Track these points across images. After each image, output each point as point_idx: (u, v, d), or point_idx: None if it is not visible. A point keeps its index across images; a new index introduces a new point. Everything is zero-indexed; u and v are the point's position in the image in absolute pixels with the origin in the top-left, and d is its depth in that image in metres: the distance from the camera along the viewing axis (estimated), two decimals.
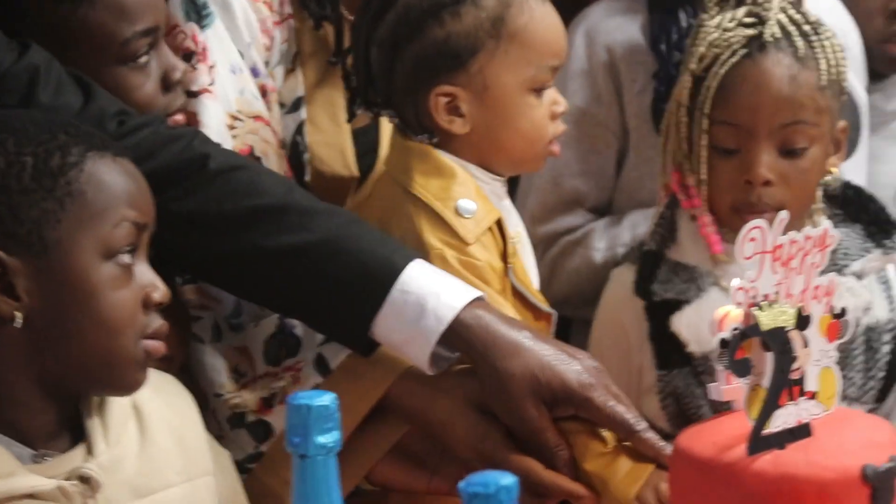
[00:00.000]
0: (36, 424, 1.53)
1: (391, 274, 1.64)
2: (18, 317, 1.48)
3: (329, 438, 1.33)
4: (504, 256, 1.81)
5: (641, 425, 1.63)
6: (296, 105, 1.95)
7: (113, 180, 1.52)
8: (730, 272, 2.05)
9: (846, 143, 2.13)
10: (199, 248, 1.70)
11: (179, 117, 1.81)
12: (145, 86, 1.78)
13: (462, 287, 1.67)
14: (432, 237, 1.77)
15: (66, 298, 1.50)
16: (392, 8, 1.80)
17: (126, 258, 1.53)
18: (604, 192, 2.38)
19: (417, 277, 1.64)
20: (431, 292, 1.64)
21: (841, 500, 1.37)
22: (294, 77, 1.95)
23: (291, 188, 1.75)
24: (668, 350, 2.06)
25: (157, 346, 1.56)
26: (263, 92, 1.90)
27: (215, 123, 1.84)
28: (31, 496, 1.48)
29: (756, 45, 2.01)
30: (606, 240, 2.35)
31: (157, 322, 1.55)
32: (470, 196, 1.79)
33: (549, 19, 1.81)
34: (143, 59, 1.78)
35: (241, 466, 1.77)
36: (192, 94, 1.85)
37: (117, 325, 1.51)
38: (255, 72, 1.89)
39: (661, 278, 2.06)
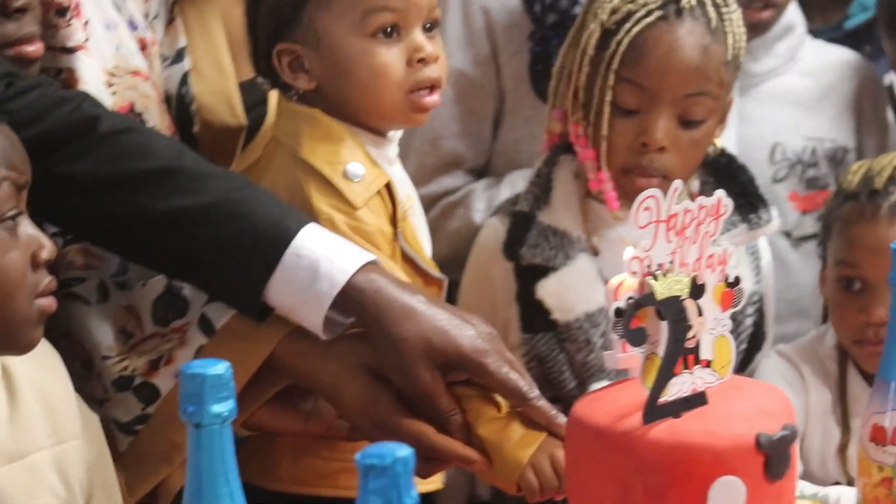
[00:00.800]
0: None
1: (284, 237, 1.61)
2: None
3: (224, 407, 1.28)
4: (394, 221, 1.79)
5: (534, 393, 1.61)
6: (178, 56, 1.91)
7: None
8: (604, 239, 2.05)
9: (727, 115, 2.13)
10: (89, 211, 1.66)
11: (29, 48, 1.71)
12: None
13: (356, 251, 1.64)
14: (321, 202, 1.74)
15: None
16: None
17: (9, 220, 1.49)
18: (482, 154, 2.37)
19: (311, 241, 1.61)
20: (325, 256, 1.60)
21: (736, 468, 1.36)
22: (174, 28, 1.91)
23: (182, 151, 1.71)
24: (534, 314, 2.06)
25: (49, 302, 1.53)
26: (143, 45, 1.86)
27: (93, 79, 1.79)
28: None
29: (673, 8, 2.00)
30: (486, 200, 2.35)
31: (46, 279, 1.52)
32: (358, 160, 1.77)
33: None
34: None
35: (128, 428, 1.73)
36: (68, 51, 1.79)
37: (9, 288, 1.48)
38: (132, 25, 1.85)
39: (531, 242, 2.05)
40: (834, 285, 2.21)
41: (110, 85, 1.81)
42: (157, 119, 1.83)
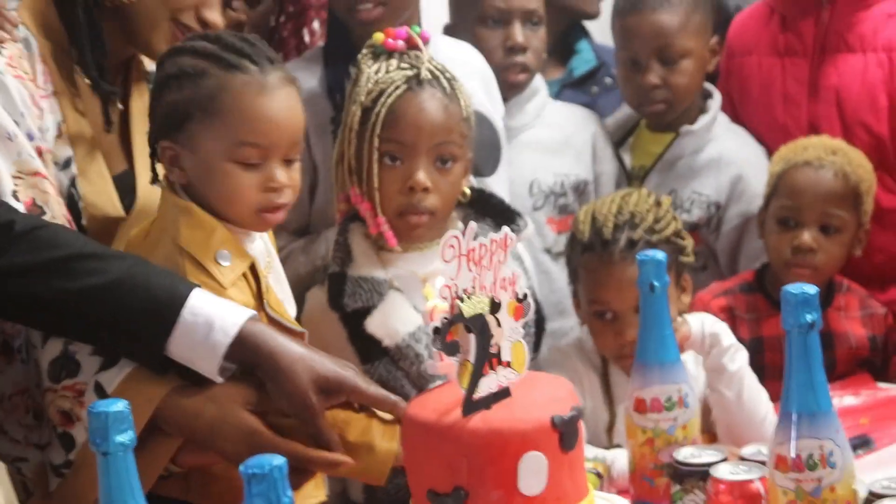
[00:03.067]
0: None
1: (179, 300, 1.73)
2: None
3: (125, 437, 1.39)
4: (259, 294, 1.89)
5: (399, 399, 1.76)
6: (67, 163, 1.98)
7: None
8: (400, 277, 2.19)
9: (471, 167, 2.28)
10: (14, 295, 1.76)
11: None
12: None
13: (239, 308, 1.76)
14: (197, 282, 1.82)
15: None
16: (156, 75, 1.92)
17: None
18: (303, 217, 2.50)
19: (201, 301, 1.74)
20: (216, 313, 1.73)
21: (538, 445, 1.50)
22: (62, 140, 1.98)
23: (83, 239, 1.82)
24: (367, 347, 2.17)
25: None
26: (39, 152, 1.92)
27: (3, 178, 1.87)
28: None
29: (414, 81, 2.16)
30: (307, 255, 2.46)
31: None
32: (226, 247, 1.86)
33: (259, 108, 1.86)
34: None
35: (57, 470, 1.81)
36: None
37: None
38: (30, 136, 1.91)
39: (349, 292, 2.17)
40: (590, 317, 2.38)
41: (15, 185, 1.88)
42: (56, 210, 1.91)
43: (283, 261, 2.36)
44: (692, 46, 2.79)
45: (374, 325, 2.16)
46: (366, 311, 2.17)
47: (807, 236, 2.56)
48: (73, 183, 1.99)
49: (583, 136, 2.90)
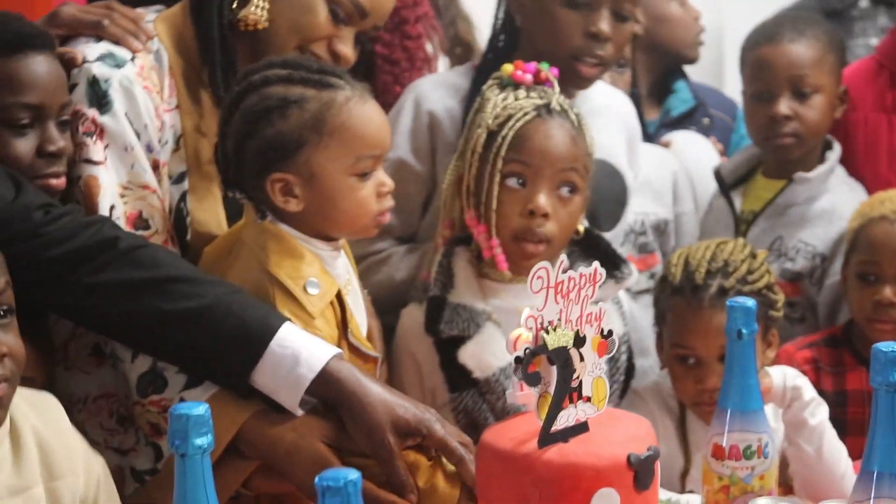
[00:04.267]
0: None
1: (269, 331, 1.76)
2: None
3: (203, 441, 1.40)
4: (343, 322, 1.89)
5: (467, 454, 1.74)
6: (180, 178, 2.00)
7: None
8: (500, 307, 2.17)
9: (589, 212, 2.27)
10: (110, 313, 1.80)
11: (54, 181, 1.86)
12: (19, 147, 1.84)
13: (326, 344, 1.78)
14: (285, 310, 1.83)
15: None
16: (237, 109, 1.88)
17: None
18: (410, 227, 2.47)
19: (291, 335, 1.76)
20: (304, 347, 1.75)
21: (612, 482, 1.49)
22: (178, 155, 2.00)
23: (183, 262, 1.87)
24: (457, 376, 2.16)
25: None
26: (155, 166, 1.96)
27: (110, 192, 1.91)
28: None
29: (545, 109, 2.15)
30: (408, 262, 2.43)
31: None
32: (316, 275, 1.86)
33: (366, 118, 1.88)
34: (23, 127, 1.85)
35: (139, 476, 1.84)
36: (91, 162, 1.92)
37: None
38: (149, 148, 1.95)
39: (446, 319, 2.16)
40: (672, 360, 2.35)
41: (122, 196, 1.92)
42: (160, 224, 1.95)
43: (381, 262, 2.39)
44: (825, 83, 2.72)
45: (467, 355, 2.15)
46: (460, 340, 2.16)
47: (888, 291, 2.50)
48: (183, 198, 2.00)
49: (663, 175, 2.86)
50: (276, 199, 1.87)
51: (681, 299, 2.31)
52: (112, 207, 1.91)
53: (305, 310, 1.83)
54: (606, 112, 2.26)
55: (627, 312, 2.40)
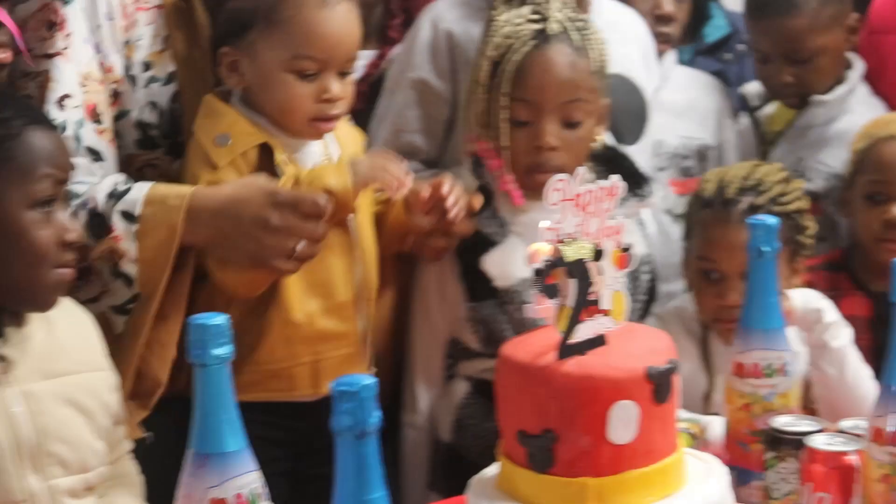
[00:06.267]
0: None
1: None
2: None
3: (223, 350, 1.38)
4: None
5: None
6: (170, 78, 2.02)
7: (41, 146, 1.63)
8: (523, 222, 2.14)
9: (608, 116, 2.22)
10: None
11: (2, 54, 1.82)
12: None
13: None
14: (195, 159, 1.95)
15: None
16: None
17: (47, 206, 1.63)
18: (435, 149, 2.43)
19: None
20: None
21: (630, 394, 1.47)
22: (165, 55, 2.01)
23: None
24: (477, 285, 2.13)
25: (68, 273, 1.67)
26: (102, 66, 1.99)
27: (67, 80, 1.95)
28: None
29: (542, 37, 2.10)
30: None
31: (68, 256, 1.65)
32: (231, 129, 1.93)
33: (316, 21, 1.91)
34: None
35: (123, 309, 1.92)
36: (48, 56, 1.95)
37: (39, 258, 1.62)
38: (97, 49, 1.98)
39: (480, 218, 2.12)
40: (695, 275, 2.32)
41: (84, 85, 1.96)
42: (108, 122, 2.00)
43: None
44: (823, 42, 2.67)
45: (490, 263, 2.12)
46: (482, 249, 2.13)
47: None
48: (174, 98, 2.01)
49: (708, 102, 2.82)
50: (222, 70, 1.95)
51: (710, 212, 2.28)
52: (62, 99, 1.93)
53: (210, 159, 1.91)
54: (615, 28, 2.22)
55: (652, 235, 2.36)
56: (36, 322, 1.68)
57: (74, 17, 1.96)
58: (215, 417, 1.37)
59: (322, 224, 1.88)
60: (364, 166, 1.96)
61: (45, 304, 1.66)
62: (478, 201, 2.09)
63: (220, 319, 1.38)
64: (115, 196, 1.90)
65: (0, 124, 1.61)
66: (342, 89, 1.94)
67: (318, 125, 1.95)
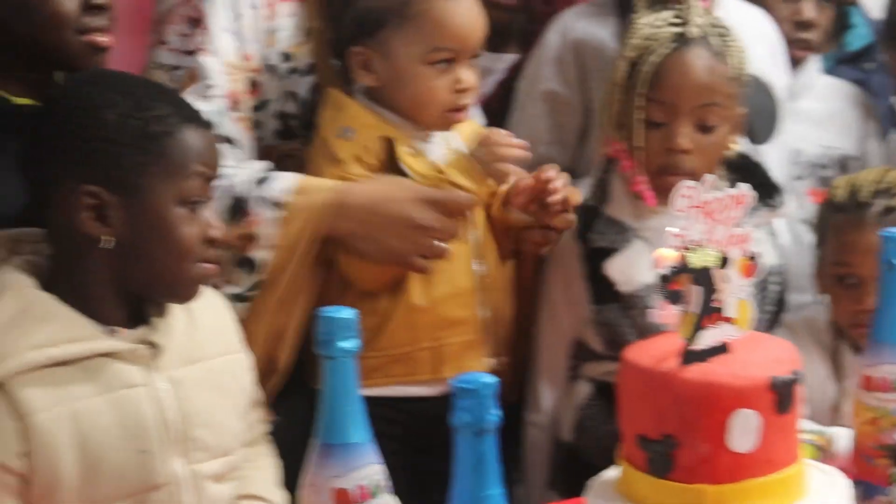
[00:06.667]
0: (111, 315, 1.66)
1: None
2: (109, 241, 1.61)
3: (350, 344, 1.40)
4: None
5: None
6: (310, 69, 2.06)
7: (193, 143, 1.65)
8: (650, 227, 2.13)
9: (742, 126, 2.20)
10: None
11: (100, 37, 1.81)
12: (65, 3, 1.77)
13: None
14: (319, 154, 1.99)
15: (147, 230, 1.64)
16: None
17: (194, 204, 1.66)
18: (568, 158, 2.45)
19: None
20: None
21: (752, 404, 1.46)
22: (305, 48, 2.05)
23: None
24: (601, 289, 2.13)
25: (212, 269, 1.70)
26: (242, 54, 2.04)
27: (212, 71, 2.00)
28: (107, 355, 1.62)
29: (682, 40, 2.09)
30: None
31: (211, 252, 1.68)
32: (354, 123, 1.96)
33: (448, 11, 1.95)
34: None
35: (241, 297, 1.96)
36: (191, 53, 2.01)
37: (183, 253, 1.65)
38: (238, 36, 2.03)
39: (598, 229, 2.14)
40: (831, 281, 2.28)
41: (229, 73, 2.01)
42: (245, 111, 2.04)
43: None
44: None
45: (614, 267, 2.12)
46: (607, 252, 2.13)
47: None
48: (314, 89, 2.05)
49: (850, 112, 2.78)
50: (355, 70, 1.98)
51: (843, 217, 2.24)
52: (204, 90, 1.98)
53: (334, 152, 1.96)
54: (742, 27, 2.19)
55: (785, 245, 2.33)
56: (177, 309, 1.72)
57: (214, 9, 2.01)
58: (341, 409, 1.40)
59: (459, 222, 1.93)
60: (482, 156, 2.00)
61: (186, 297, 1.70)
62: (577, 196, 2.09)
63: (347, 313, 1.41)
64: (259, 182, 1.95)
65: (156, 121, 1.63)
66: (473, 78, 1.98)
67: (452, 115, 1.99)
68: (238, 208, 1.94)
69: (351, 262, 1.97)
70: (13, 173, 1.69)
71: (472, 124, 2.15)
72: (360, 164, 1.97)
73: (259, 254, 1.94)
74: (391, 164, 1.98)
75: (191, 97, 1.95)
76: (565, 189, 2.06)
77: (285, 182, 1.94)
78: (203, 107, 1.93)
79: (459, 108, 1.99)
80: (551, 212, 2.04)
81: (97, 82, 1.69)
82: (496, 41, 2.54)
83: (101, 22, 1.79)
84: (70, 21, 1.75)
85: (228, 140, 2.01)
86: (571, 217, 2.07)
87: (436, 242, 1.92)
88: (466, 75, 1.97)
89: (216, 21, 2.00)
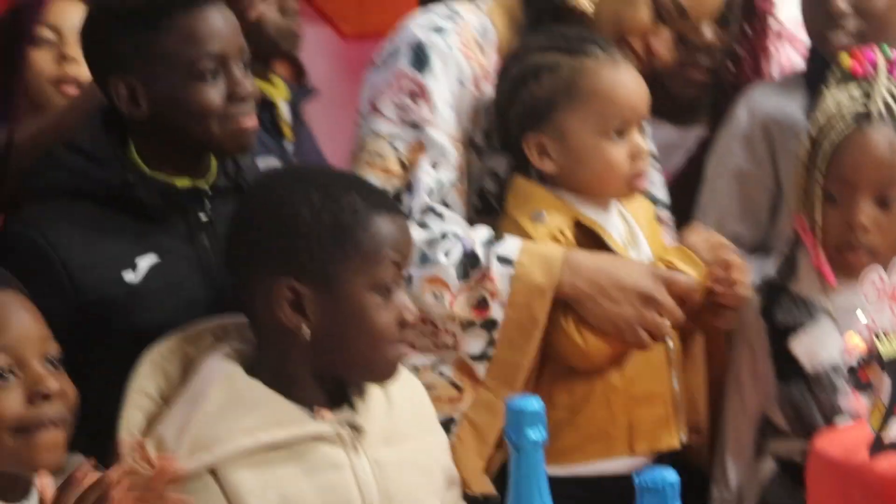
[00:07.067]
0: (314, 398, 1.70)
1: None
2: (307, 331, 1.66)
3: (537, 434, 1.43)
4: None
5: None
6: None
7: (385, 232, 1.69)
8: (837, 305, 2.09)
9: None
10: None
11: (247, 122, 1.87)
12: (210, 95, 1.84)
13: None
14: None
15: (344, 319, 1.68)
16: (503, 78, 2.00)
17: (387, 290, 1.69)
18: (758, 234, 2.43)
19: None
20: None
21: None
22: None
23: None
24: (787, 366, 2.10)
25: (407, 349, 1.75)
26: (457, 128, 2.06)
27: (439, 143, 2.00)
28: (313, 438, 1.66)
29: (864, 117, 2.06)
30: (756, 270, 2.39)
31: (409, 333, 1.72)
32: (544, 208, 1.97)
33: (616, 82, 1.95)
34: (210, 76, 1.86)
35: (483, 357, 1.95)
36: (417, 126, 2.01)
37: (380, 339, 1.68)
38: (453, 109, 2.04)
39: (784, 306, 2.11)
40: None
41: (451, 146, 2.02)
42: (465, 182, 2.07)
43: None
44: None
45: (800, 346, 2.09)
46: (794, 329, 2.10)
47: None
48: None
49: None
50: (534, 158, 1.98)
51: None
52: (437, 159, 1.99)
53: (529, 235, 1.95)
54: None
55: None
56: (375, 390, 1.75)
57: (436, 83, 2.02)
58: (528, 498, 1.43)
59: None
60: (703, 250, 1.99)
61: (384, 378, 1.73)
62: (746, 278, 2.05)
63: (536, 404, 1.44)
64: (489, 242, 1.97)
65: (349, 212, 1.66)
66: (646, 144, 2.00)
67: (633, 182, 1.99)
68: (474, 263, 1.94)
69: (572, 327, 1.95)
70: (185, 248, 1.83)
71: (643, 202, 2.15)
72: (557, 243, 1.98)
73: (495, 312, 1.94)
74: (583, 247, 1.98)
75: (424, 167, 1.98)
76: (740, 277, 2.03)
77: (515, 242, 1.96)
78: (440, 176, 1.99)
79: (639, 174, 1.99)
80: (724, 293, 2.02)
81: (290, 178, 1.75)
82: (686, 116, 2.58)
83: (245, 108, 1.88)
84: (216, 113, 1.84)
85: (454, 207, 2.02)
86: (743, 297, 2.05)
87: (660, 320, 1.92)
88: (640, 141, 1.98)
89: (440, 95, 2.02)
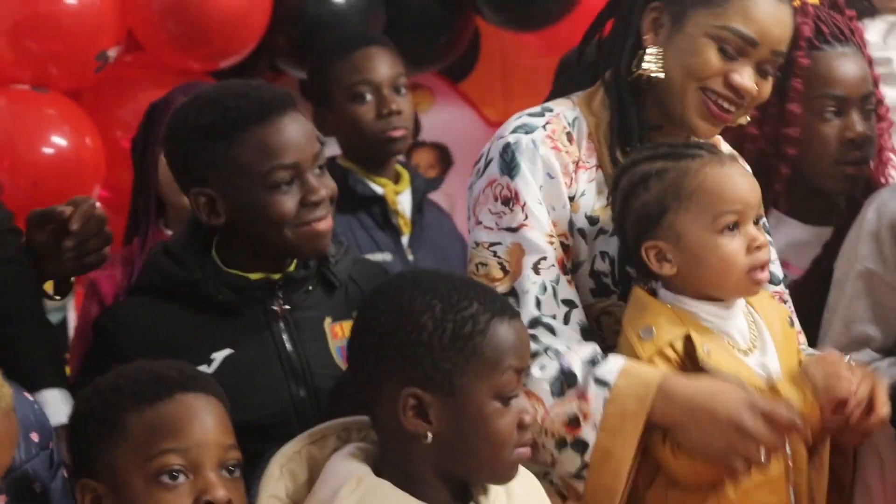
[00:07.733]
0: (437, 497, 1.74)
1: None
2: (429, 436, 1.71)
3: None
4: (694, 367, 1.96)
5: None
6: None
7: (505, 339, 1.72)
8: None
9: None
10: None
11: (321, 225, 1.93)
12: (285, 205, 1.91)
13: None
14: (624, 354, 1.98)
15: (465, 425, 1.72)
16: (615, 193, 2.04)
17: (509, 398, 1.73)
18: (889, 337, 2.37)
19: None
20: None
21: None
22: (608, 210, 2.08)
23: None
24: None
25: (526, 452, 1.75)
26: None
27: (537, 244, 2.03)
28: None
29: None
30: (889, 376, 2.30)
31: (527, 436, 1.75)
32: (655, 322, 1.96)
33: (722, 177, 1.97)
34: (285, 186, 1.92)
35: (578, 476, 1.95)
36: (514, 230, 2.03)
37: (501, 444, 1.72)
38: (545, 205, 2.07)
39: None
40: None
41: (551, 243, 2.04)
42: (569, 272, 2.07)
43: None
44: None
45: None
46: None
47: None
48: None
49: None
50: (652, 265, 1.99)
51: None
52: (538, 263, 2.01)
53: (636, 352, 1.96)
54: None
55: None
56: (496, 490, 1.77)
57: (525, 185, 2.05)
58: None
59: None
60: (818, 380, 1.94)
61: (505, 480, 1.75)
62: (883, 398, 1.98)
63: None
64: (594, 362, 1.97)
65: (470, 321, 1.71)
66: (762, 236, 1.97)
67: (754, 275, 1.97)
68: (570, 383, 1.95)
69: (669, 451, 1.93)
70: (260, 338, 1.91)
71: (774, 304, 2.09)
72: (664, 360, 1.96)
73: (587, 433, 1.93)
74: (692, 364, 1.96)
75: (527, 274, 2.01)
76: (864, 400, 1.96)
77: (615, 363, 1.95)
78: (538, 281, 2.01)
79: (759, 266, 1.96)
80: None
81: (412, 286, 1.77)
82: (818, 216, 2.57)
83: (319, 213, 1.93)
84: (290, 220, 1.91)
85: (567, 303, 2.04)
86: (865, 431, 1.97)
87: (755, 450, 1.87)
88: (755, 232, 1.96)
89: (530, 196, 2.04)
